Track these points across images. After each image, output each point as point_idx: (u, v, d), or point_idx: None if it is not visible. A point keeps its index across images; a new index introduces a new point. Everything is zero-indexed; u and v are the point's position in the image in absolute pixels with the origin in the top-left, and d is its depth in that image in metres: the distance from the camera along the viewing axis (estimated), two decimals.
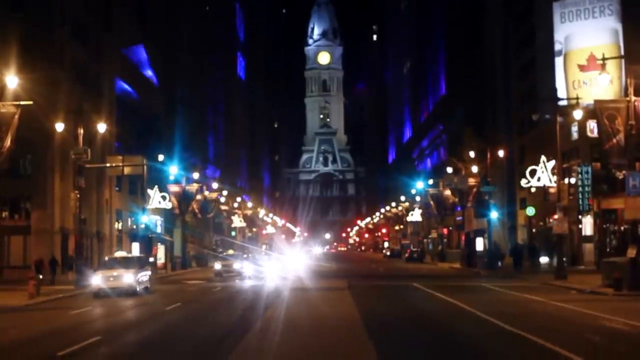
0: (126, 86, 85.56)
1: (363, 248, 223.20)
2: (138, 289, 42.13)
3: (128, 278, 41.71)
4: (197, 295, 43.86)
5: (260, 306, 33.84)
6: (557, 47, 69.31)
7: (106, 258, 48.52)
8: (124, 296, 40.46)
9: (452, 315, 29.64)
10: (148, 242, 71.07)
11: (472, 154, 76.55)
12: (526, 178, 59.62)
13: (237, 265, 62.79)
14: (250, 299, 39.02)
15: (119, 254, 48.79)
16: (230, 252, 75.30)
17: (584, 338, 22.03)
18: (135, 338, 24.82)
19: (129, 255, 48.36)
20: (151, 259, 70.20)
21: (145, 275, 44.36)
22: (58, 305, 37.80)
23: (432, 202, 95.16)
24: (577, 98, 50.98)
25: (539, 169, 58.64)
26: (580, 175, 60.73)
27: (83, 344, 22.58)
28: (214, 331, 25.58)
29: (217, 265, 64.59)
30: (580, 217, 65.20)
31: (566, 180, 62.06)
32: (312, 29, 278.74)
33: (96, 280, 41.82)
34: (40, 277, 45.30)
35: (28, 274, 44.13)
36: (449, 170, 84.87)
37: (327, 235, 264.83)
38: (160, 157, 78.75)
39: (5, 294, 41.52)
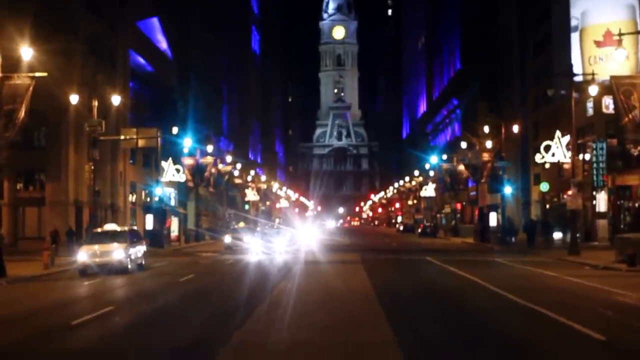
0: (140, 59, 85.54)
1: (376, 223, 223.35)
2: (129, 266, 38.89)
3: (118, 254, 38.50)
4: (210, 268, 43.96)
5: (273, 279, 33.85)
6: (573, 22, 68.89)
7: (96, 231, 44.03)
8: (114, 274, 37.42)
9: (465, 289, 29.67)
10: (162, 214, 71.27)
11: (486, 129, 76.34)
12: (541, 153, 59.48)
13: (247, 238, 62.69)
14: (262, 272, 39.06)
15: (109, 226, 44.57)
16: (242, 224, 75.25)
17: (597, 313, 22.03)
18: (148, 308, 24.91)
19: (120, 228, 43.57)
20: (165, 232, 70.66)
21: (138, 251, 41.15)
22: (70, 276, 37.95)
23: (446, 177, 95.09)
24: (593, 74, 50.71)
25: (554, 144, 58.49)
26: (595, 151, 60.51)
27: (96, 314, 22.72)
28: (224, 305, 25.60)
29: (227, 239, 64.60)
30: (594, 193, 65.03)
31: (581, 156, 61.87)
32: (327, 3, 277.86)
33: (82, 256, 38.37)
34: (54, 247, 45.64)
35: (43, 244, 44.40)
36: (463, 145, 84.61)
37: (341, 210, 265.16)
38: (175, 130, 78.82)
39: (21, 265, 41.77)
